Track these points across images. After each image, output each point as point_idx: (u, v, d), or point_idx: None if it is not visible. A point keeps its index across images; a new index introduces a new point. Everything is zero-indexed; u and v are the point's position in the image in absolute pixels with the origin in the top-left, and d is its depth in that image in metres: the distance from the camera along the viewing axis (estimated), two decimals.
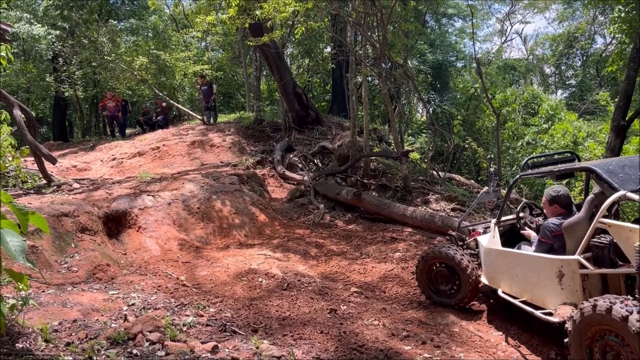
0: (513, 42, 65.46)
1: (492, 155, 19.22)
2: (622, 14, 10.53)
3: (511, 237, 5.55)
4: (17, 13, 19.46)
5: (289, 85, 16.20)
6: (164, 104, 19.21)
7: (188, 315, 4.85)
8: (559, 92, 33.75)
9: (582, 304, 3.85)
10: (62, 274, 5.90)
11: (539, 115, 19.61)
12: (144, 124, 18.87)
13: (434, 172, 13.39)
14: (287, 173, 14.09)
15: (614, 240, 4.04)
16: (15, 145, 9.51)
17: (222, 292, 6.13)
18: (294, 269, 7.28)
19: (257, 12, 11.11)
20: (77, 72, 20.84)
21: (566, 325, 3.99)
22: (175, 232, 8.31)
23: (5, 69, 18.78)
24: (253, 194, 10.83)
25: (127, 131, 19.11)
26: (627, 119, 9.51)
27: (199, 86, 19.55)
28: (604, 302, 3.63)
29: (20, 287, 4.07)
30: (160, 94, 20.20)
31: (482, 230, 6.09)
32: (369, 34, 13.04)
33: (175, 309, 5.08)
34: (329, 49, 24.20)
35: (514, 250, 5.20)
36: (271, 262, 7.48)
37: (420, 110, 29.30)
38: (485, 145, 21.10)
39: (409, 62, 21.35)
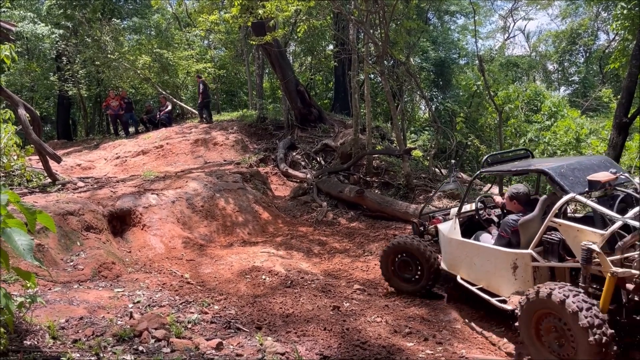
0: (516, 39, 65.45)
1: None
2: (625, 11, 10.52)
3: (470, 227, 5.92)
4: (21, 12, 19.49)
5: (292, 83, 16.22)
6: (168, 103, 19.24)
7: (193, 313, 4.90)
8: (562, 89, 33.68)
9: (528, 291, 4.32)
10: (68, 272, 5.96)
11: (542, 112, 19.54)
12: (147, 122, 18.91)
13: (436, 170, 13.40)
14: (290, 171, 14.13)
15: (563, 238, 4.45)
16: (20, 144, 9.59)
17: (226, 289, 6.18)
18: (297, 266, 7.33)
19: (260, 11, 11.14)
20: (80, 71, 20.90)
21: (516, 311, 4.42)
22: (179, 230, 8.36)
23: (10, 68, 18.75)
24: (256, 192, 10.87)
25: (130, 129, 19.13)
26: (629, 116, 9.49)
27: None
28: (546, 288, 4.11)
29: (28, 285, 4.15)
30: (164, 92, 20.25)
31: (441, 218, 6.49)
32: (372, 31, 13.04)
33: (180, 306, 5.13)
34: (331, 47, 24.22)
35: (474, 241, 5.54)
36: (274, 259, 7.53)
37: (423, 108, 29.29)
38: (488, 142, 21.04)
39: (412, 59, 21.33)
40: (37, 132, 9.64)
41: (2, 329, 3.35)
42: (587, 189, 4.53)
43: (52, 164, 10.00)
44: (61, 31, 19.86)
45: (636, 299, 3.97)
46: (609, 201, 4.56)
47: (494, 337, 5.00)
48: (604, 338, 3.75)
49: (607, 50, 26.23)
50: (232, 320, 4.83)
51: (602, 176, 4.50)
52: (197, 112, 20.34)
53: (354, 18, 12.22)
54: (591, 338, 3.75)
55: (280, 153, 14.85)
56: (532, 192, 5.62)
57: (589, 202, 4.36)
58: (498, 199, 6.20)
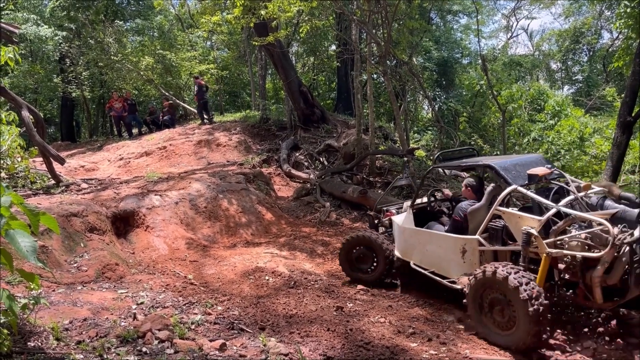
0: (519, 38, 65.23)
1: (498, 152, 19.18)
2: (628, 9, 10.47)
3: (422, 217, 6.37)
4: (24, 14, 19.57)
5: (295, 83, 16.22)
6: (171, 104, 19.27)
7: (196, 314, 4.90)
8: (566, 88, 33.60)
9: (476, 270, 4.86)
10: (71, 273, 5.97)
11: (545, 112, 19.50)
12: (150, 124, 18.95)
13: (440, 170, 13.37)
14: (293, 171, 14.13)
15: (506, 224, 5.06)
16: (24, 146, 9.61)
17: (230, 290, 6.18)
18: (300, 267, 7.33)
19: (262, 12, 11.15)
20: (84, 73, 20.96)
21: (464, 289, 5.00)
22: (182, 231, 8.37)
23: (13, 70, 18.91)
24: (259, 193, 10.88)
25: (133, 131, 19.17)
26: (633, 114, 9.46)
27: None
28: (491, 267, 4.65)
29: (32, 286, 4.14)
30: (167, 93, 20.28)
31: (395, 211, 7.00)
32: (374, 31, 13.04)
33: (184, 307, 5.13)
34: (334, 47, 24.20)
35: (426, 230, 6.06)
36: (278, 260, 7.53)
37: (426, 108, 29.25)
38: (491, 142, 21.03)
39: (414, 59, 21.32)
40: (40, 134, 9.67)
41: (5, 331, 3.35)
42: (526, 182, 5.13)
43: (56, 165, 10.03)
44: (64, 33, 19.92)
45: (566, 276, 4.60)
46: (545, 192, 5.15)
47: None
48: (541, 308, 4.29)
49: (610, 49, 26.12)
50: (236, 321, 4.83)
51: (540, 170, 5.13)
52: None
53: (357, 18, 12.22)
54: (530, 309, 4.28)
55: (283, 154, 14.85)
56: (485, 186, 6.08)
57: (528, 192, 4.96)
58: (447, 191, 7.03)
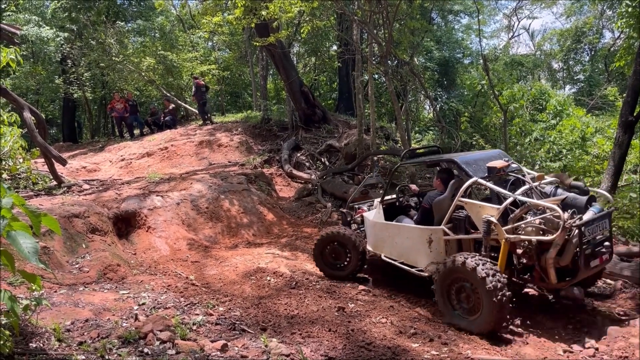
0: (520, 38, 65.11)
1: None
2: (630, 9, 10.45)
3: (391, 212, 6.76)
4: (26, 16, 19.60)
5: (296, 84, 16.23)
6: (171, 105, 19.29)
7: (198, 314, 4.91)
8: (567, 87, 33.52)
9: (445, 259, 5.25)
10: (73, 274, 5.98)
11: (547, 111, 19.44)
12: (152, 125, 18.97)
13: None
14: (295, 172, 14.13)
15: (468, 214, 5.40)
16: (25, 147, 9.63)
17: (231, 291, 6.18)
18: (302, 267, 7.33)
19: (263, 13, 11.16)
20: (85, 74, 20.98)
21: (433, 276, 5.40)
22: (184, 232, 8.38)
23: (15, 71, 18.95)
24: (261, 193, 10.88)
25: (135, 132, 19.19)
26: (635, 114, 9.42)
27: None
28: (460, 257, 5.00)
29: (33, 287, 4.14)
30: (168, 94, 20.29)
31: (366, 208, 7.33)
32: (375, 32, 13.03)
33: (185, 308, 5.14)
34: (335, 48, 24.20)
35: (395, 223, 6.43)
36: (279, 260, 7.54)
37: (427, 108, 29.23)
38: (493, 142, 20.95)
39: (416, 59, 21.31)
40: (42, 135, 9.69)
41: (7, 332, 3.35)
42: (486, 174, 5.51)
43: (58, 166, 10.04)
44: (66, 34, 19.95)
45: (524, 261, 5.04)
46: (503, 183, 5.51)
47: (501, 338, 4.97)
48: (504, 298, 4.69)
49: (612, 49, 26.05)
50: (237, 322, 4.83)
51: (498, 163, 5.55)
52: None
53: (358, 18, 12.22)
54: (494, 298, 4.68)
55: (284, 154, 14.85)
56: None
57: (488, 184, 5.33)
58: (414, 187, 7.40)
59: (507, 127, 16.63)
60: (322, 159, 14.89)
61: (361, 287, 6.49)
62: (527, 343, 4.85)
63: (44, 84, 21.93)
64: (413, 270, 5.98)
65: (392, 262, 6.33)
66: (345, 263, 6.84)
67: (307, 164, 14.77)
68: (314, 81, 26.88)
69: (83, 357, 3.54)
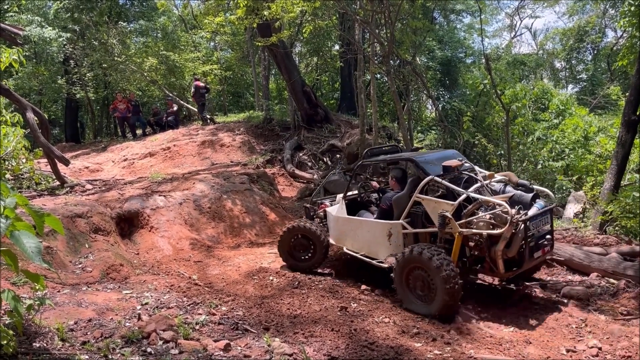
0: (523, 37, 64.99)
1: (502, 152, 19.13)
2: (633, 8, 10.43)
3: (353, 207, 7.14)
4: (28, 16, 19.62)
5: (298, 84, 16.23)
6: (174, 105, 19.31)
7: (200, 314, 4.91)
8: (570, 86, 33.45)
9: (404, 250, 5.64)
10: (76, 274, 5.99)
11: (549, 111, 19.43)
12: (154, 125, 18.99)
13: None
14: (297, 172, 14.13)
15: (425, 210, 5.78)
16: (28, 148, 9.64)
17: (234, 290, 6.19)
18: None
19: (265, 12, 11.16)
20: (88, 74, 21.00)
21: (392, 266, 5.76)
22: (186, 232, 8.39)
23: (18, 71, 18.98)
24: (263, 193, 10.89)
25: (137, 132, 19.21)
26: (638, 113, 9.42)
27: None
28: (417, 248, 5.47)
29: (37, 287, 4.15)
30: (170, 94, 20.32)
31: (328, 203, 7.62)
32: (377, 31, 13.03)
33: (188, 307, 5.14)
34: (337, 47, 24.20)
35: (357, 217, 6.79)
36: (282, 260, 7.54)
37: (430, 107, 29.18)
38: (495, 141, 20.95)
39: (418, 59, 21.29)
40: (45, 135, 9.71)
41: (11, 332, 3.36)
42: (442, 173, 5.89)
43: (61, 166, 10.06)
44: (68, 35, 19.98)
45: (475, 253, 5.48)
46: (457, 181, 5.88)
47: (505, 338, 4.97)
48: (456, 285, 5.15)
49: (615, 48, 26.01)
50: (240, 322, 4.84)
51: (452, 162, 5.97)
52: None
53: (360, 18, 12.21)
54: (447, 285, 5.14)
55: (286, 154, 14.86)
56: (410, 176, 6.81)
57: (443, 181, 5.70)
58: (374, 183, 7.77)
59: (510, 126, 16.60)
60: (325, 159, 14.89)
61: (364, 286, 6.49)
62: (530, 342, 4.84)
63: (46, 85, 21.96)
64: (374, 261, 6.33)
65: (354, 254, 6.66)
66: (310, 255, 7.10)
67: (310, 163, 14.77)
68: (316, 81, 26.87)
69: (86, 357, 3.54)
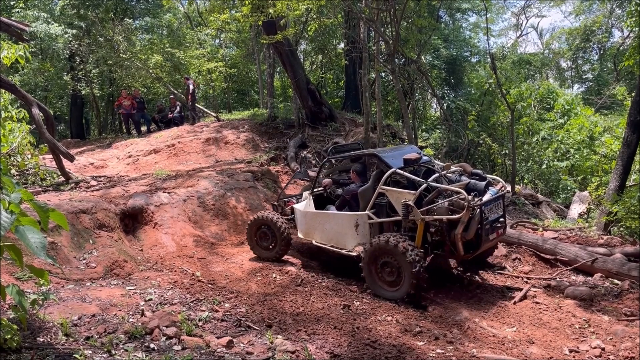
0: (528, 36, 64.63)
1: (507, 151, 19.05)
2: (639, 8, 10.38)
3: (320, 202, 7.55)
4: (35, 12, 19.66)
5: (302, 81, 16.20)
6: (178, 103, 19.31)
7: (203, 311, 4.93)
8: (576, 86, 33.30)
9: (372, 239, 6.03)
10: (80, 269, 6.02)
11: (555, 110, 19.35)
12: (159, 122, 19.01)
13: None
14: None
15: (389, 200, 6.18)
16: (34, 143, 9.70)
17: (237, 287, 6.20)
18: (307, 265, 7.35)
19: (271, 10, 11.15)
20: (93, 71, 21.03)
21: (360, 254, 6.16)
22: (190, 229, 8.40)
23: (24, 68, 19.04)
24: (267, 191, 10.89)
25: (142, 128, 19.24)
26: None
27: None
28: (384, 236, 5.86)
29: (41, 282, 4.18)
30: (175, 91, 20.32)
31: (295, 201, 7.95)
32: (382, 30, 13.00)
33: (191, 304, 5.16)
34: (342, 45, 24.14)
35: (325, 211, 7.15)
36: (285, 258, 7.56)
37: (434, 106, 29.11)
38: (500, 140, 20.88)
39: (423, 57, 21.24)
40: (50, 131, 9.74)
41: (15, 326, 3.39)
42: (403, 165, 6.35)
43: (66, 162, 10.10)
44: (74, 31, 20.00)
45: (436, 238, 5.91)
46: (417, 173, 6.36)
47: (507, 337, 4.96)
48: (421, 269, 5.60)
49: (621, 48, 25.85)
50: (243, 319, 4.85)
51: (412, 156, 6.46)
52: (208, 112, 20.44)
53: (365, 16, 12.19)
54: (414, 269, 5.56)
55: (291, 152, 14.84)
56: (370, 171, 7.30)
57: (405, 173, 6.15)
58: (326, 181, 7.92)
59: (515, 126, 16.56)
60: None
61: (366, 284, 6.50)
62: (533, 342, 4.83)
63: (52, 81, 22.01)
64: (343, 251, 6.67)
65: (323, 246, 7.02)
66: (273, 245, 7.44)
67: (314, 161, 14.76)
68: (321, 79, 26.81)
69: (90, 352, 3.56)
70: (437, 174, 6.22)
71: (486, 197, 5.97)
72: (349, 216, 6.65)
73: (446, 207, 5.71)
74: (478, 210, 5.67)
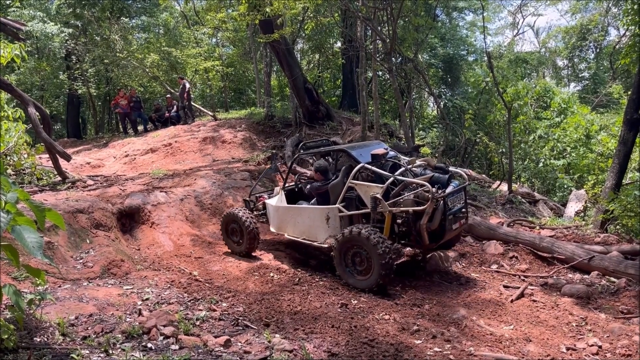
0: (525, 35, 64.87)
1: (504, 150, 19.08)
2: (635, 6, 10.41)
3: (292, 197, 7.78)
4: (31, 11, 19.61)
5: (300, 80, 16.19)
6: (174, 102, 19.29)
7: (201, 310, 4.92)
8: (572, 85, 33.35)
9: (343, 231, 6.21)
10: (77, 269, 6.00)
11: (551, 109, 19.40)
12: (156, 121, 18.98)
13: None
14: (298, 168, 14.09)
15: (358, 194, 6.43)
16: (30, 143, 9.66)
17: (235, 286, 6.20)
18: (305, 263, 7.35)
19: (268, 9, 11.15)
20: (89, 70, 21.01)
21: (332, 245, 6.35)
22: (187, 228, 8.39)
23: (20, 67, 18.98)
24: (264, 190, 10.88)
25: (139, 128, 19.20)
26: (639, 112, 9.41)
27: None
28: (356, 229, 6.03)
29: (38, 282, 4.18)
30: (172, 90, 20.29)
31: (267, 196, 8.19)
32: (379, 28, 13.01)
33: (189, 303, 5.15)
34: (339, 44, 24.15)
35: (297, 205, 7.39)
36: (282, 257, 7.55)
37: (431, 105, 29.15)
38: (497, 139, 20.91)
39: (420, 56, 21.26)
40: (47, 130, 9.72)
41: (12, 326, 3.38)
42: (370, 160, 6.58)
43: (62, 162, 10.08)
44: (70, 30, 19.96)
45: (403, 229, 6.19)
46: (384, 167, 6.55)
47: (504, 335, 4.97)
48: (391, 260, 5.83)
49: (617, 46, 25.91)
50: (240, 318, 4.84)
51: (379, 151, 6.79)
52: (205, 111, 20.40)
53: (362, 15, 12.19)
54: (383, 260, 5.78)
55: (288, 151, 14.81)
56: (332, 167, 7.57)
57: (373, 167, 6.38)
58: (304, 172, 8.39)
59: (512, 124, 16.58)
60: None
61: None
62: (530, 340, 4.84)
63: (48, 80, 21.97)
64: (314, 244, 6.92)
65: (295, 239, 7.23)
66: (241, 240, 7.55)
67: (311, 160, 14.74)
68: (318, 78, 26.81)
69: (87, 352, 3.55)
70: (403, 168, 6.56)
71: (449, 190, 6.30)
72: (320, 210, 6.87)
73: (412, 199, 5.98)
74: (442, 201, 5.98)
